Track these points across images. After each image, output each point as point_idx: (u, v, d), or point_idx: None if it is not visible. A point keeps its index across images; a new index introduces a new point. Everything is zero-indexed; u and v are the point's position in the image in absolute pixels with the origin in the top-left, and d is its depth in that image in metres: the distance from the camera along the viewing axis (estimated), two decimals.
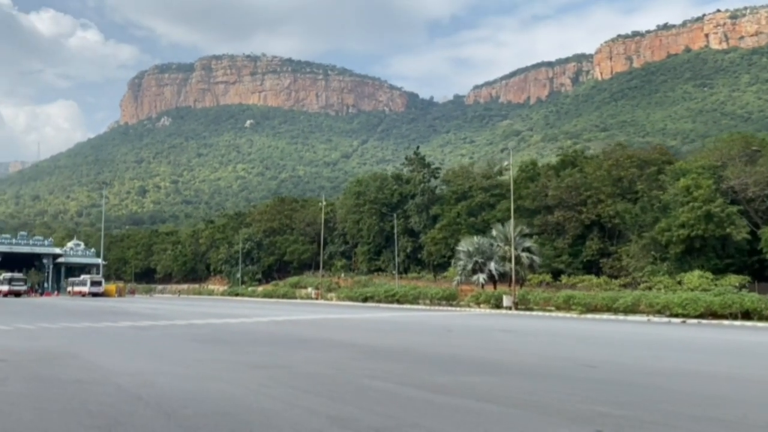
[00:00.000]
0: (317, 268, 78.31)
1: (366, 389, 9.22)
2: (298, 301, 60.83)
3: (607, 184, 51.25)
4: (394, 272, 64.85)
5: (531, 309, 40.11)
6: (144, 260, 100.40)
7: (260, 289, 73.37)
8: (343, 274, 70.94)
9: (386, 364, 12.30)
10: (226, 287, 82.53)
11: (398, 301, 49.84)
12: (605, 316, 34.84)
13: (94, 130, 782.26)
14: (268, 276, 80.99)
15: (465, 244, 47.03)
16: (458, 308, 43.52)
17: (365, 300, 53.17)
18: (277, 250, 79.93)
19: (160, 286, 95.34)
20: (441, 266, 62.87)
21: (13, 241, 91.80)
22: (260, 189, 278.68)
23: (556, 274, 50.16)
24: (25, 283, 71.74)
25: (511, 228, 43.72)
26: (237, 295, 74.11)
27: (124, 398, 8.02)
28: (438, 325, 25.19)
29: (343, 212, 72.72)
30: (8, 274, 71.59)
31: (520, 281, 44.78)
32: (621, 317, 33.80)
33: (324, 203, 65.32)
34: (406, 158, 69.91)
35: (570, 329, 24.50)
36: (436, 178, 67.69)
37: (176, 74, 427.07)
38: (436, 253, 59.93)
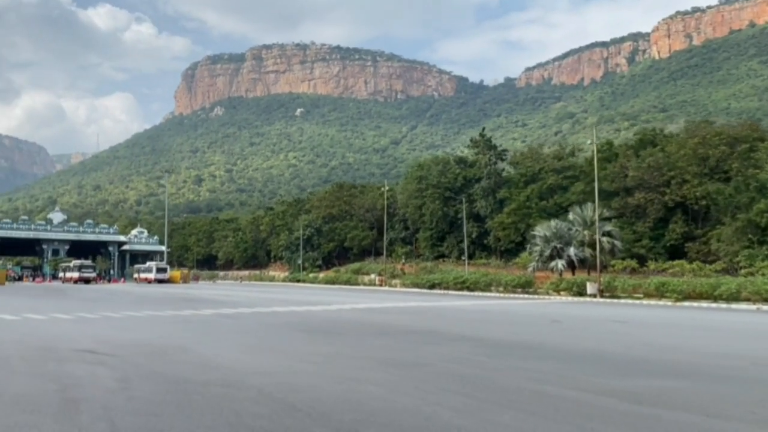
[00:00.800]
0: (377, 254, 77.21)
1: (543, 396, 7.60)
2: (362, 287, 59.80)
3: (692, 164, 47.90)
4: (459, 258, 63.02)
5: (617, 297, 37.64)
6: (205, 247, 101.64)
7: (321, 275, 72.74)
8: (404, 261, 69.57)
9: (527, 362, 10.62)
10: (286, 273, 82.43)
11: (468, 288, 48.03)
12: (704, 304, 32.21)
13: (150, 121, 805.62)
14: (328, 262, 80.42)
15: (542, 229, 44.68)
16: (536, 296, 41.40)
17: (432, 287, 51.57)
18: (336, 237, 79.18)
19: (221, 273, 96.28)
20: (509, 252, 60.62)
21: (80, 229, 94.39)
22: (311, 177, 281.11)
23: (638, 260, 47.32)
24: (94, 270, 73.21)
25: (595, 210, 41.15)
26: (298, 281, 73.77)
27: (277, 407, 6.63)
28: (536, 315, 23.33)
29: (405, 197, 71.10)
30: (78, 261, 73.21)
31: (602, 267, 42.18)
32: (723, 305, 31.11)
33: (386, 188, 63.73)
34: (471, 140, 67.61)
35: (683, 319, 22.25)
36: (502, 160, 65.17)
37: (228, 64, 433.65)
38: (505, 239, 57.69)
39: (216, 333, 15.32)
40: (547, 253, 43.66)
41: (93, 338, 13.40)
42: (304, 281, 72.68)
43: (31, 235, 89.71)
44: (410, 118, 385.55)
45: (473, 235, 62.60)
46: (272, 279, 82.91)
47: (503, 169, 64.85)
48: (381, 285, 59.26)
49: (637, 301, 35.12)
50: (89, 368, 9.17)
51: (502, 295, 44.02)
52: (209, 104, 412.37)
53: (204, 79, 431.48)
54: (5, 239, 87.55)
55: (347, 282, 64.32)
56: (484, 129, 70.51)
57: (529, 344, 13.41)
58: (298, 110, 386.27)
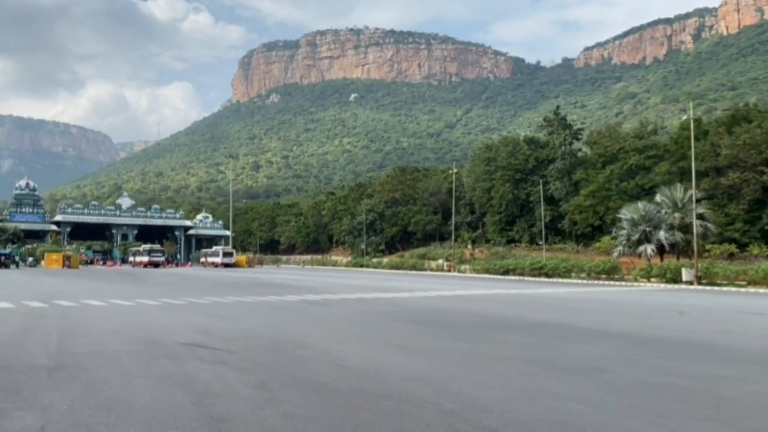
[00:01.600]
0: (441, 239, 75.36)
1: None
2: (429, 273, 58.12)
3: None
4: (530, 243, 60.55)
5: (717, 284, 34.67)
6: (268, 232, 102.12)
7: (385, 260, 71.48)
8: (470, 246, 67.51)
9: (722, 367, 8.70)
10: (349, 258, 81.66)
11: (546, 275, 45.66)
12: None
13: (208, 109, 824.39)
14: (390, 247, 79.10)
15: (628, 211, 41.81)
16: (623, 283, 38.76)
17: (506, 272, 49.41)
18: (399, 221, 77.65)
19: (284, 257, 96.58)
20: (585, 236, 57.70)
21: (148, 214, 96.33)
22: (366, 162, 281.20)
23: (731, 243, 43.84)
24: (163, 254, 74.24)
25: (693, 191, 38.01)
26: (362, 266, 72.77)
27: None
28: (651, 305, 21.10)
29: (471, 180, 68.76)
30: (147, 246, 74.39)
31: (696, 252, 39.10)
32: None
33: (454, 170, 61.55)
34: (544, 119, 64.43)
35: None
36: (578, 140, 61.86)
37: (283, 51, 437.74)
38: (582, 223, 54.76)
39: (318, 323, 13.93)
40: (635, 237, 40.81)
41: (194, 329, 12.23)
42: (367, 266, 71.64)
43: (101, 219, 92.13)
44: (465, 101, 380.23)
45: (546, 219, 59.85)
46: (334, 264, 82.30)
47: (579, 149, 61.58)
48: (449, 270, 57.47)
49: (742, 289, 32.14)
50: (212, 369, 7.84)
51: (585, 281, 41.54)
52: (265, 91, 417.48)
53: (260, 67, 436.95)
54: (77, 224, 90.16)
55: (413, 267, 62.78)
56: (558, 107, 67.20)
57: (688, 341, 11.44)
58: (352, 95, 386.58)
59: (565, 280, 43.07)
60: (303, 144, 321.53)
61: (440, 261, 60.49)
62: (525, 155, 63.77)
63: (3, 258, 60.09)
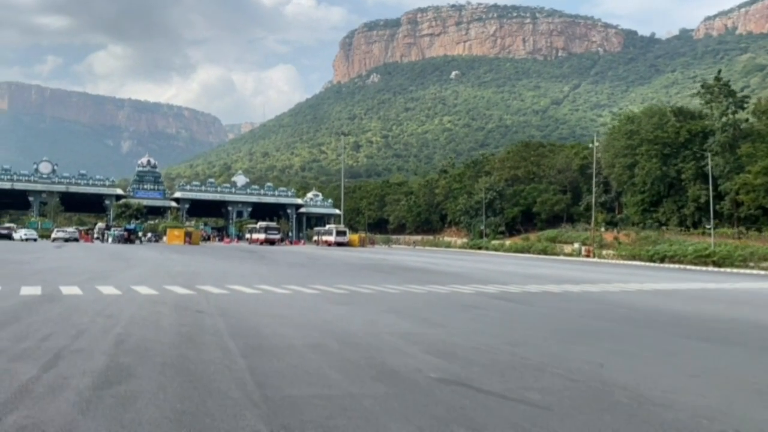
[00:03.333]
0: (570, 220, 69.16)
1: None
2: (563, 258, 52.65)
3: None
4: (680, 226, 53.38)
5: None
6: (377, 211, 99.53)
7: (508, 242, 66.42)
8: (603, 228, 61.02)
9: None
10: (464, 239, 77.25)
11: (715, 264, 39.15)
12: None
13: (310, 90, 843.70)
14: (511, 229, 73.72)
15: None
16: None
17: (662, 260, 43.17)
18: (522, 201, 71.88)
19: (393, 237, 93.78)
20: (749, 219, 49.86)
21: (261, 191, 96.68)
22: (467, 141, 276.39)
23: None
24: (279, 232, 73.24)
25: None
26: (479, 248, 68.22)
27: None
28: None
29: (609, 156, 61.75)
30: (264, 223, 73.61)
31: None
32: None
33: (595, 143, 55.07)
34: (702, 86, 56.20)
35: None
36: (742, 109, 53.42)
37: (383, 30, 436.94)
38: (751, 204, 47.07)
39: (575, 338, 9.66)
40: None
41: (411, 341, 8.45)
42: (486, 248, 66.97)
43: (218, 197, 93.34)
44: (572, 76, 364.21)
45: (700, 200, 52.44)
46: (449, 245, 78.16)
47: (746, 119, 53.15)
48: (587, 256, 51.65)
49: None
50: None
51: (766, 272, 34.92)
52: (366, 71, 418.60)
53: (360, 47, 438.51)
54: (195, 200, 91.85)
55: (543, 251, 57.35)
56: (720, 72, 58.51)
57: None
58: (453, 73, 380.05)
59: (741, 271, 36.49)
60: (403, 123, 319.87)
61: (576, 245, 54.66)
62: (674, 127, 56.00)
63: (129, 233, 60.89)
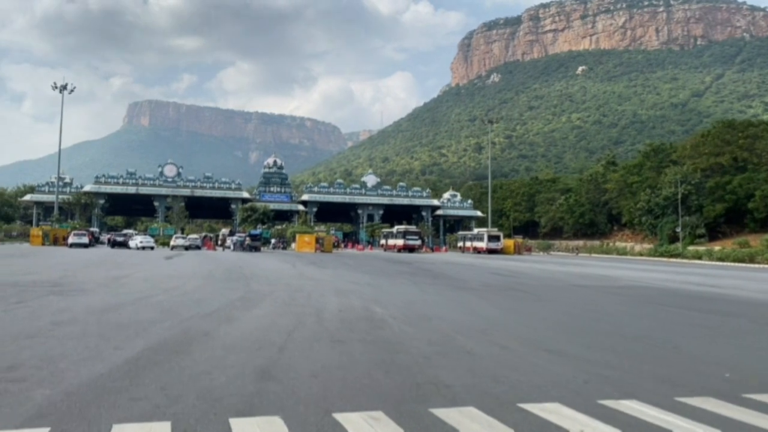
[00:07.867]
0: None
1: None
2: None
3: None
4: None
5: None
6: (525, 212, 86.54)
7: (717, 248, 51.38)
8: None
9: None
10: (644, 245, 62.65)
11: None
12: None
13: (427, 95, 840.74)
14: (711, 230, 58.21)
15: None
16: None
17: None
18: (728, 195, 56.40)
19: (547, 242, 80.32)
20: None
21: (394, 192, 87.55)
22: (599, 138, 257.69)
23: None
24: (419, 237, 62.95)
25: None
26: (671, 256, 53.65)
27: None
28: None
29: None
30: (402, 227, 63.99)
31: None
32: None
33: None
34: None
35: None
36: None
37: (503, 29, 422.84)
38: None
39: None
40: None
41: None
42: (684, 256, 52.32)
43: (347, 199, 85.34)
44: (714, 65, 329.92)
45: None
46: (624, 252, 63.85)
47: None
48: None
49: None
50: None
51: None
52: (485, 72, 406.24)
53: (480, 47, 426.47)
54: (323, 203, 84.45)
55: None
56: None
57: None
58: (580, 68, 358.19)
59: None
60: (527, 123, 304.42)
61: None
62: None
63: (252, 239, 52.17)
